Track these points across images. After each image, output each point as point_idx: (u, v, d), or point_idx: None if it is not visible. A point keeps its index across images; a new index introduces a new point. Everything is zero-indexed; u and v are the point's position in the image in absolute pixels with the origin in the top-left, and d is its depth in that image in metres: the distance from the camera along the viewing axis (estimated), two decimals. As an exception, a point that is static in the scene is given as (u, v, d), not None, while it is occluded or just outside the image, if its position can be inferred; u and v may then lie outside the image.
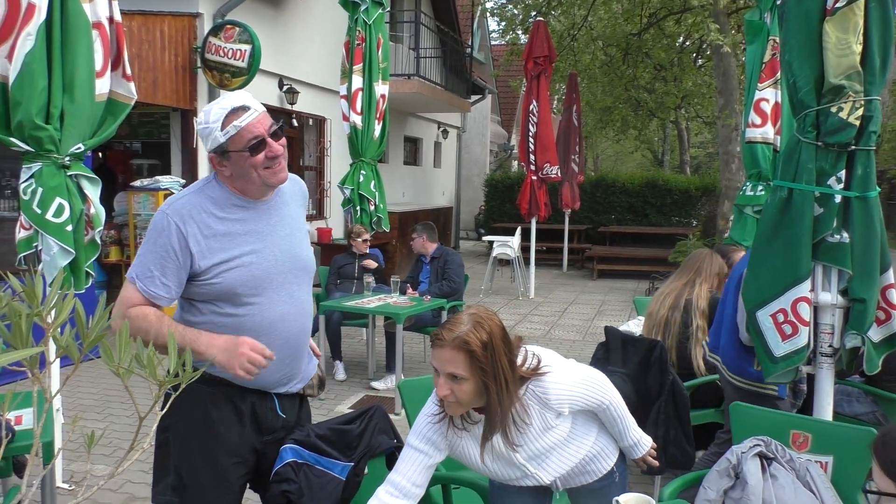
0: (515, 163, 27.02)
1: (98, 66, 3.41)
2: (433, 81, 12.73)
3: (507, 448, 2.05)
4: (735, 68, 10.33)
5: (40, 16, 3.16)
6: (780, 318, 2.61)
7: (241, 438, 2.19)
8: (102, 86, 3.46)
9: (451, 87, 14.25)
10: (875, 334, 2.65)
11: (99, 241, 3.62)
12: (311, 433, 2.27)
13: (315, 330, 6.03)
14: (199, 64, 7.81)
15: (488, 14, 18.05)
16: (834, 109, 2.45)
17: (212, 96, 8.02)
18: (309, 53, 10.11)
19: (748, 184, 5.26)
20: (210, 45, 7.63)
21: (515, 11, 13.21)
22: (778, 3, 2.68)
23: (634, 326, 4.68)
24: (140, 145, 10.26)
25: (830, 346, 2.65)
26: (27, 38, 3.13)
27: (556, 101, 18.18)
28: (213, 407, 2.14)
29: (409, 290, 5.99)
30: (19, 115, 3.18)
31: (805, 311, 2.57)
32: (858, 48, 2.43)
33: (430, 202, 15.69)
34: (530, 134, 10.18)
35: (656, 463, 2.32)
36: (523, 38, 13.08)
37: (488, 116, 21.10)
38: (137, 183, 7.50)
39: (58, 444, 3.56)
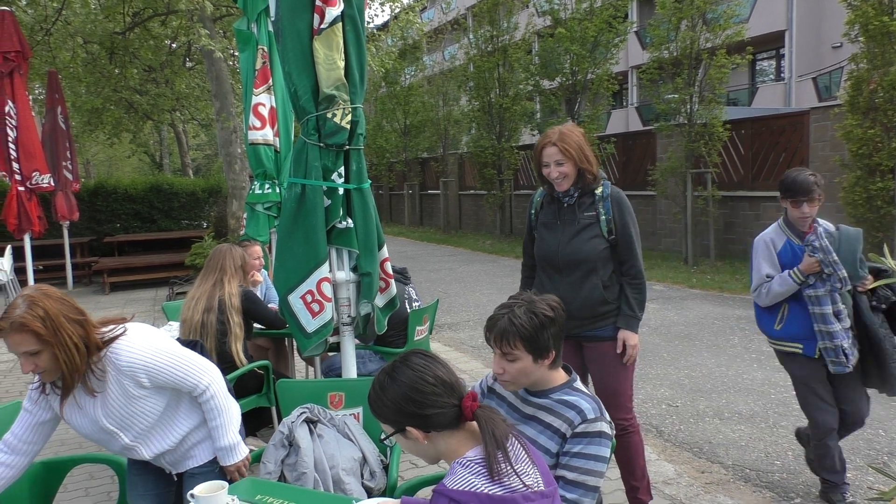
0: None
1: None
2: None
3: (93, 408, 2.26)
4: (227, 72, 10.73)
5: None
6: (309, 298, 2.97)
7: None
8: None
9: None
10: (380, 300, 3.23)
11: None
12: None
13: None
14: None
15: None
16: (329, 115, 2.88)
17: None
18: None
19: (256, 183, 5.62)
20: None
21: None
22: (272, 19, 2.98)
23: (168, 332, 4.63)
24: None
25: (349, 315, 3.13)
26: None
27: (32, 102, 16.11)
28: None
29: None
30: None
31: (328, 289, 2.98)
32: (342, 63, 2.90)
33: None
34: (10, 139, 8.91)
35: (237, 475, 2.48)
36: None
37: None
38: None
39: None
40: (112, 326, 2.27)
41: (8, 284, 9.61)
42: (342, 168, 2.97)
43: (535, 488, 1.52)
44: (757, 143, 12.11)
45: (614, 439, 2.16)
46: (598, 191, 3.16)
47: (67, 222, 12.01)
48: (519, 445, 1.59)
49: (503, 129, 17.52)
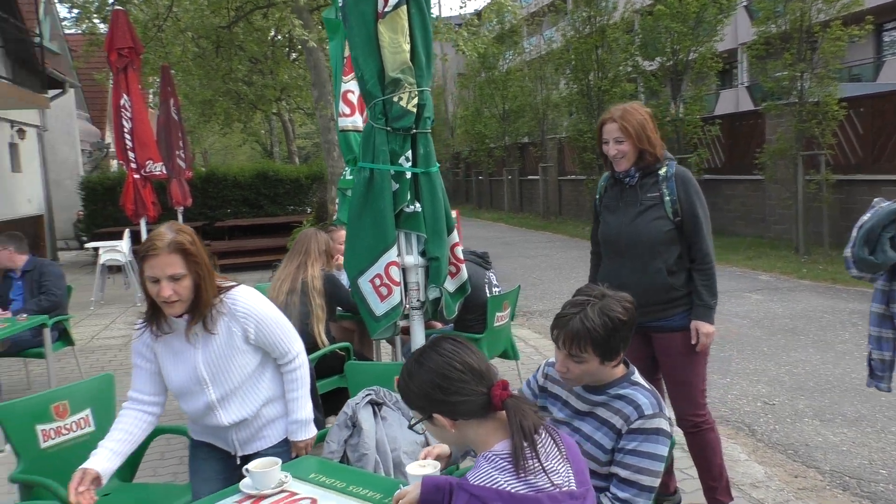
0: (115, 162, 24.83)
1: None
2: (-3, 74, 11.00)
3: (193, 354, 2.34)
4: (324, 62, 11.00)
5: None
6: (377, 282, 2.99)
7: None
8: None
9: (21, 80, 12.47)
10: (450, 285, 3.21)
11: None
12: None
13: None
14: None
15: (56, 0, 16.10)
16: (395, 99, 2.88)
17: None
18: None
19: (347, 169, 5.74)
20: None
21: (89, -2, 12.06)
22: (339, 4, 3.00)
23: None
24: None
25: (418, 300, 3.13)
26: None
27: (152, 96, 17.17)
28: None
29: (-1, 313, 5.21)
30: None
31: (396, 273, 2.99)
32: (407, 47, 2.88)
33: (12, 212, 13.58)
34: (125, 130, 9.50)
35: (304, 452, 2.53)
36: (103, 28, 12.03)
37: (74, 113, 18.95)
38: None
39: None
40: (225, 280, 2.40)
41: (126, 266, 10.31)
42: (409, 152, 2.96)
43: (565, 488, 1.44)
44: (878, 121, 11.18)
45: (674, 437, 2.05)
46: (662, 171, 2.99)
47: (181, 208, 12.71)
48: (551, 441, 1.52)
49: (603, 113, 17.05)
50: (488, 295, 4.52)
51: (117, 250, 10.20)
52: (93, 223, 14.61)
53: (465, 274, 3.24)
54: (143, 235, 9.89)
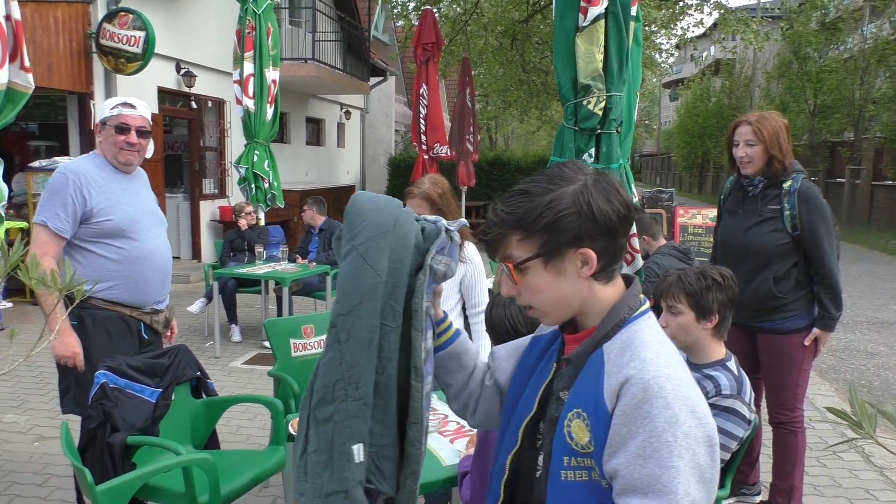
0: (422, 142, 27.68)
1: (-4, 59, 3.87)
2: (330, 65, 13.22)
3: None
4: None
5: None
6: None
7: (132, 350, 2.88)
8: (1, 76, 3.92)
9: (351, 69, 14.77)
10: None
11: (3, 215, 4.10)
12: (123, 363, 2.75)
13: (210, 298, 6.62)
14: (93, 49, 8.11)
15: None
16: (584, 103, 3.28)
17: (108, 80, 8.34)
18: (206, 38, 10.46)
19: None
20: (104, 32, 7.95)
21: (408, -2, 13.88)
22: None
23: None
24: (36, 127, 10.38)
25: (591, 281, 3.51)
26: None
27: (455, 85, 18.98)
28: (111, 324, 2.85)
29: (299, 259, 6.63)
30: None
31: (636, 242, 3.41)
32: (600, 57, 3.25)
33: (334, 181, 16.21)
34: (421, 116, 10.91)
35: None
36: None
37: (392, 97, 21.68)
38: (35, 164, 7.79)
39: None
40: None
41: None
42: (593, 149, 3.34)
43: None
44: None
45: (756, 422, 2.22)
46: (787, 184, 3.05)
47: (465, 187, 14.07)
48: None
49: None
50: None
51: (403, 220, 11.75)
52: (394, 196, 16.71)
53: (639, 263, 3.52)
54: (428, 209, 11.30)
